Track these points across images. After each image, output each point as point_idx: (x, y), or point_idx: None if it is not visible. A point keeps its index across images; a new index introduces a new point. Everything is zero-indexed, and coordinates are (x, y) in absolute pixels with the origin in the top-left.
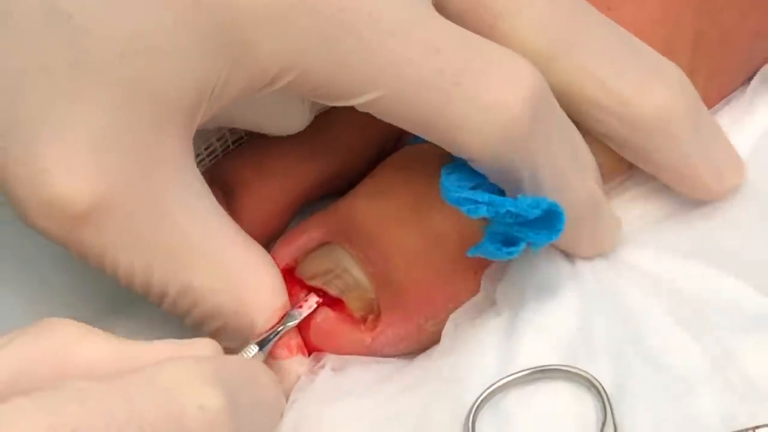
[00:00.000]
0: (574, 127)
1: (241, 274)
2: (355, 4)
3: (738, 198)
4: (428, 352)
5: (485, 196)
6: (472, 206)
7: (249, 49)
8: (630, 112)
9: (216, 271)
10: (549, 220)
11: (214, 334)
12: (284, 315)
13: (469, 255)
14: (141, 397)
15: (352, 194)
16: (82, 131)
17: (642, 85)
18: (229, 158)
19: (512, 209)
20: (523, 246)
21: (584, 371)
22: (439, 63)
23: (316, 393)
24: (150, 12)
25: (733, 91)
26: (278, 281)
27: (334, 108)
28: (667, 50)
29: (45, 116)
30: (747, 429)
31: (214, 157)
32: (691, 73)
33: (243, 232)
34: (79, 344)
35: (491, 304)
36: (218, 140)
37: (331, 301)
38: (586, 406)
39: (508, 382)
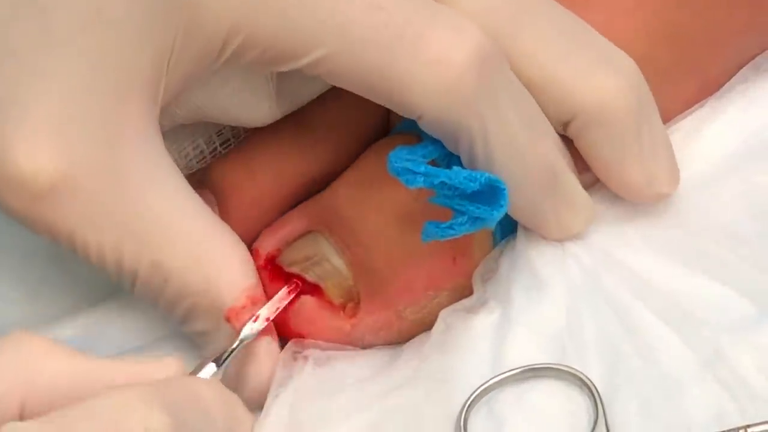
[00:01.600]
0: (532, 97)
1: (209, 251)
2: None
3: (725, 204)
4: (416, 347)
5: (422, 167)
6: (410, 176)
7: (196, 12)
8: (570, 98)
9: (184, 248)
10: (491, 195)
11: (187, 316)
12: (240, 329)
13: (423, 241)
14: (89, 430)
15: (335, 184)
16: (45, 107)
17: (586, 72)
18: (217, 161)
19: (446, 180)
20: (464, 221)
21: (576, 369)
22: (382, 19)
23: (303, 388)
24: None
25: (723, 85)
26: (247, 260)
27: (320, 107)
28: (642, 40)
29: (11, 96)
30: (738, 428)
31: (202, 159)
32: (672, 66)
33: (210, 211)
34: (44, 360)
35: (483, 303)
36: (205, 142)
37: (310, 288)
38: (577, 404)
39: (499, 381)
